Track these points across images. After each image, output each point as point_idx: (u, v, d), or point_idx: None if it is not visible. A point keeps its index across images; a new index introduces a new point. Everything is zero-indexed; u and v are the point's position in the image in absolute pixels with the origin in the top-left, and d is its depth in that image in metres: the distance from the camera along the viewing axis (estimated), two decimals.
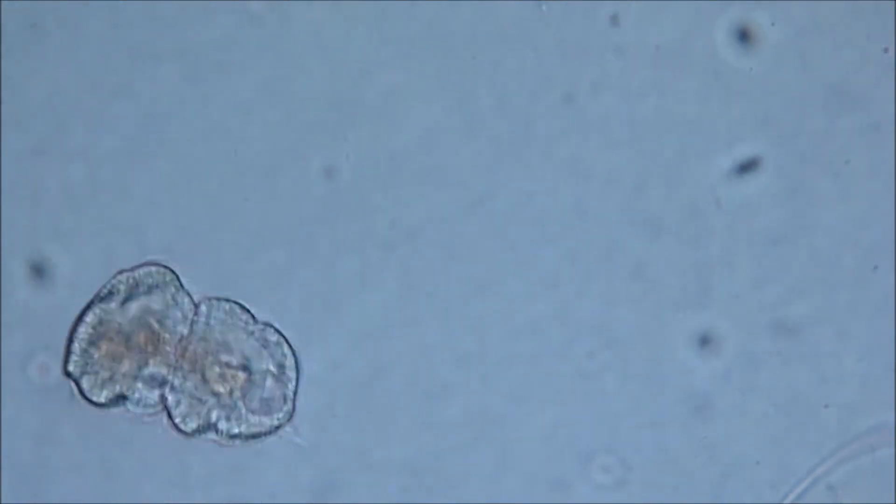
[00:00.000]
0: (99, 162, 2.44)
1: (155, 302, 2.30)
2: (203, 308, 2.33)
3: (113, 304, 2.31)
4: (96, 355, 2.31)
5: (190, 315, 2.31)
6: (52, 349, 2.37)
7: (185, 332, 2.30)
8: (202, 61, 2.45)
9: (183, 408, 2.31)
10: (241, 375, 2.31)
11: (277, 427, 2.33)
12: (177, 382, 2.30)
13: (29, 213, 2.44)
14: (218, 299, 2.35)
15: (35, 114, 2.44)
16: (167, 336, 2.30)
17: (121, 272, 2.35)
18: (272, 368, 2.32)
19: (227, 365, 2.31)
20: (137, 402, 2.31)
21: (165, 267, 2.35)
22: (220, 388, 2.31)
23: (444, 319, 2.45)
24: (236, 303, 2.35)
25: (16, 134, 2.44)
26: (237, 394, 2.31)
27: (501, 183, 2.46)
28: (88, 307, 2.34)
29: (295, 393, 2.34)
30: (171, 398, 2.31)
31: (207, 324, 2.31)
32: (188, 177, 2.44)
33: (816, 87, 2.46)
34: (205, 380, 2.31)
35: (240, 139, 2.45)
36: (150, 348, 2.30)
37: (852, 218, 2.47)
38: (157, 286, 2.32)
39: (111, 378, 2.30)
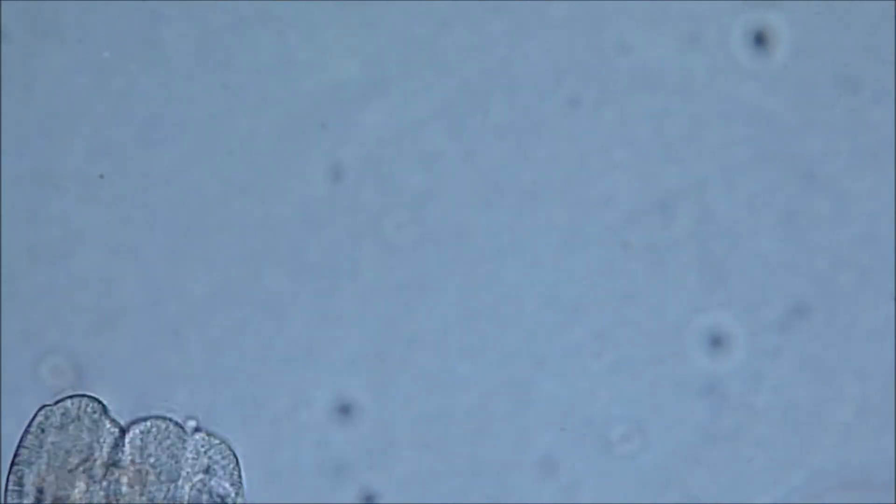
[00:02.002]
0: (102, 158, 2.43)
1: (75, 454, 2.29)
2: (131, 437, 2.32)
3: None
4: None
5: (117, 445, 2.31)
6: None
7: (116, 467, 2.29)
8: (202, 62, 2.43)
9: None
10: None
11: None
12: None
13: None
14: (146, 420, 2.33)
15: (35, 115, 2.43)
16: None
17: (43, 406, 2.32)
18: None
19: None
20: None
21: (88, 397, 2.32)
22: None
23: (451, 315, 2.46)
24: (165, 418, 2.34)
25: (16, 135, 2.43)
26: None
27: (510, 182, 2.46)
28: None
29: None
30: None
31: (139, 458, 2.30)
32: (188, 177, 2.43)
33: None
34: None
35: (240, 140, 2.44)
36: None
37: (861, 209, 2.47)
38: (77, 429, 2.30)
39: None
